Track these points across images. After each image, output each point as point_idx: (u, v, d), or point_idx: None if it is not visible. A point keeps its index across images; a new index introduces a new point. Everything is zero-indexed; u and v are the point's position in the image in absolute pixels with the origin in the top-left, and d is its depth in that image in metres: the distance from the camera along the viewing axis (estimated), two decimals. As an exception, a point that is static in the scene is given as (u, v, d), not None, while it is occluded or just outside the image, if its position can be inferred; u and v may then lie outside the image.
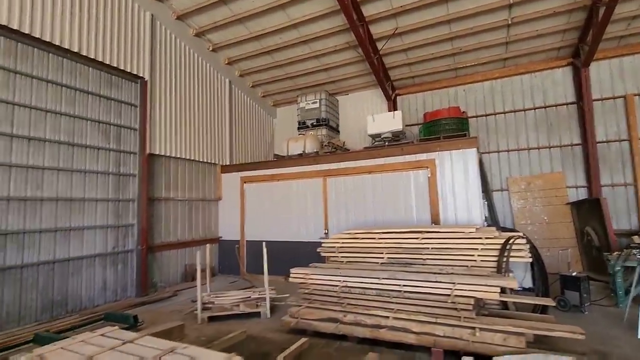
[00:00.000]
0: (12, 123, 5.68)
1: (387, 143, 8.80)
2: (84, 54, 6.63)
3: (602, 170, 8.59)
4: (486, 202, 8.42)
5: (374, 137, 9.14)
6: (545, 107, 9.49)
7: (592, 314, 5.55)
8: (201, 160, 9.54)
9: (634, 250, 5.17)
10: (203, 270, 6.22)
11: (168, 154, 8.47)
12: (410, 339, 4.19)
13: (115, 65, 7.21)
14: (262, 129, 12.80)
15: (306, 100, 11.18)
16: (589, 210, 7.91)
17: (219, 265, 9.84)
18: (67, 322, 5.33)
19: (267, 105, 13.08)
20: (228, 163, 10.48)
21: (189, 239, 9.03)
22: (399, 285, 4.64)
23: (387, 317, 4.39)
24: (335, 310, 4.82)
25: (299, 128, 11.17)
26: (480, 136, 9.92)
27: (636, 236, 6.52)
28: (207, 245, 6.81)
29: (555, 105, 9.38)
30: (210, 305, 5.98)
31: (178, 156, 8.77)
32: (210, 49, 10.00)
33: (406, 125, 9.78)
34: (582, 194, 8.75)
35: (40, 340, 4.42)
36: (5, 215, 5.50)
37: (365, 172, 8.21)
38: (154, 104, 8.13)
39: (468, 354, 3.82)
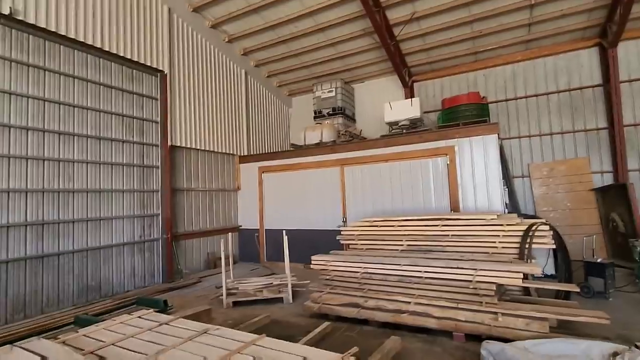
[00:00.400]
0: (44, 119, 5.95)
1: (404, 131, 8.74)
2: (107, 49, 6.81)
3: (629, 155, 8.31)
4: (507, 189, 8.29)
5: (392, 124, 9.08)
6: (569, 90, 9.18)
7: (616, 301, 5.48)
8: (220, 151, 9.74)
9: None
10: (226, 258, 6.43)
11: (188, 146, 8.68)
12: (431, 323, 4.26)
13: (136, 59, 7.38)
14: (279, 119, 12.89)
15: (322, 89, 11.17)
16: (614, 196, 7.70)
17: (239, 253, 10.11)
18: (103, 306, 5.65)
19: (282, 95, 13.13)
20: (246, 153, 10.64)
21: (210, 228, 9.30)
22: (420, 271, 4.71)
23: (409, 302, 4.47)
24: (356, 296, 4.93)
25: (315, 117, 11.19)
26: (500, 122, 9.70)
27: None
28: (229, 234, 7.03)
29: (580, 88, 9.06)
30: (234, 291, 6.20)
31: (198, 147, 8.98)
32: (226, 40, 10.07)
33: (424, 112, 9.65)
34: (608, 180, 8.49)
35: (81, 322, 4.73)
36: (42, 207, 5.81)
37: (383, 160, 8.20)
38: (173, 97, 8.30)
39: (490, 338, 3.87)
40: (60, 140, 6.15)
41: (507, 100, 9.88)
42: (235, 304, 5.97)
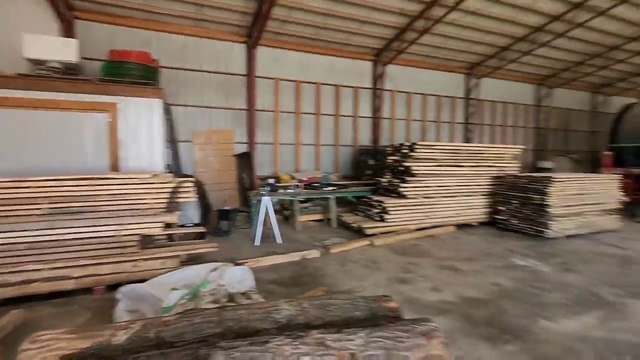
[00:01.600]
0: None
1: (55, 75, 7.29)
2: None
3: (257, 132, 11.54)
4: (170, 151, 9.10)
5: (36, 63, 7.28)
6: (226, 74, 11.21)
7: (236, 236, 7.74)
8: None
9: (261, 189, 7.63)
10: None
11: None
12: (70, 284, 4.20)
13: None
14: None
15: None
16: (245, 161, 10.51)
17: None
18: None
19: None
20: None
21: None
22: (60, 234, 4.42)
23: (40, 269, 4.11)
24: (-41, 277, 3.89)
25: None
26: (171, 88, 10.29)
27: (268, 180, 9.50)
28: None
29: (233, 74, 11.31)
30: None
31: None
32: None
33: (85, 58, 8.46)
34: (243, 149, 11.38)
35: None
36: None
37: (23, 106, 6.52)
38: None
39: (132, 282, 4.39)
40: None
41: (178, 68, 10.57)
42: None
